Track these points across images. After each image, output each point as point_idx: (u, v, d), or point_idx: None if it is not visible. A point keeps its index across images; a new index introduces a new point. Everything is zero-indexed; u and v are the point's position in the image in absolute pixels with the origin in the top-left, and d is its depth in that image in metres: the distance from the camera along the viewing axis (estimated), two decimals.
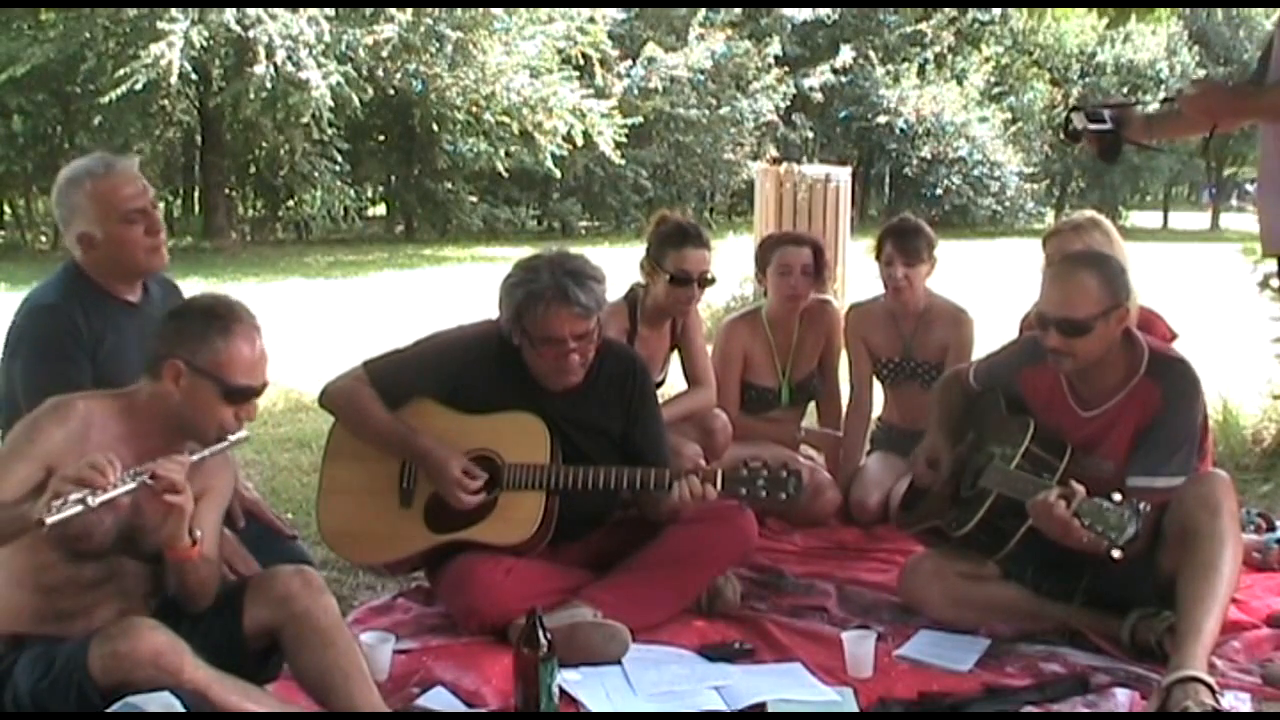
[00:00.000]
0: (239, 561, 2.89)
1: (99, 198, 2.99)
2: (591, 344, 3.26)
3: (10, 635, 2.43)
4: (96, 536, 2.39)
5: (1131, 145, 3.44)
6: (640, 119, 23.10)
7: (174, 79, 17.36)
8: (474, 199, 24.43)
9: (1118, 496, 2.78)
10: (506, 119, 21.19)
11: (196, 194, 23.25)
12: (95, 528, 2.36)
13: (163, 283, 3.25)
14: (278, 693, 2.55)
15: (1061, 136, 3.29)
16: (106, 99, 17.41)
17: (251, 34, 17.95)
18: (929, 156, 28.58)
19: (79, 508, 2.19)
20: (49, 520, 2.17)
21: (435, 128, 22.07)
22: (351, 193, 21.97)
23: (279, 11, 18.18)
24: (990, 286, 9.58)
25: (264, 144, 21.12)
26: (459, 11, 20.32)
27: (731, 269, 7.97)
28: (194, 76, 18.70)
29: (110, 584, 2.49)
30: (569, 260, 3.25)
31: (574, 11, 21.81)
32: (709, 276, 4.18)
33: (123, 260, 3.03)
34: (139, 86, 17.27)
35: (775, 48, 25.79)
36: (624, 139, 21.93)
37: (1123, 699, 2.86)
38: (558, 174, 22.50)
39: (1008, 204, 29.83)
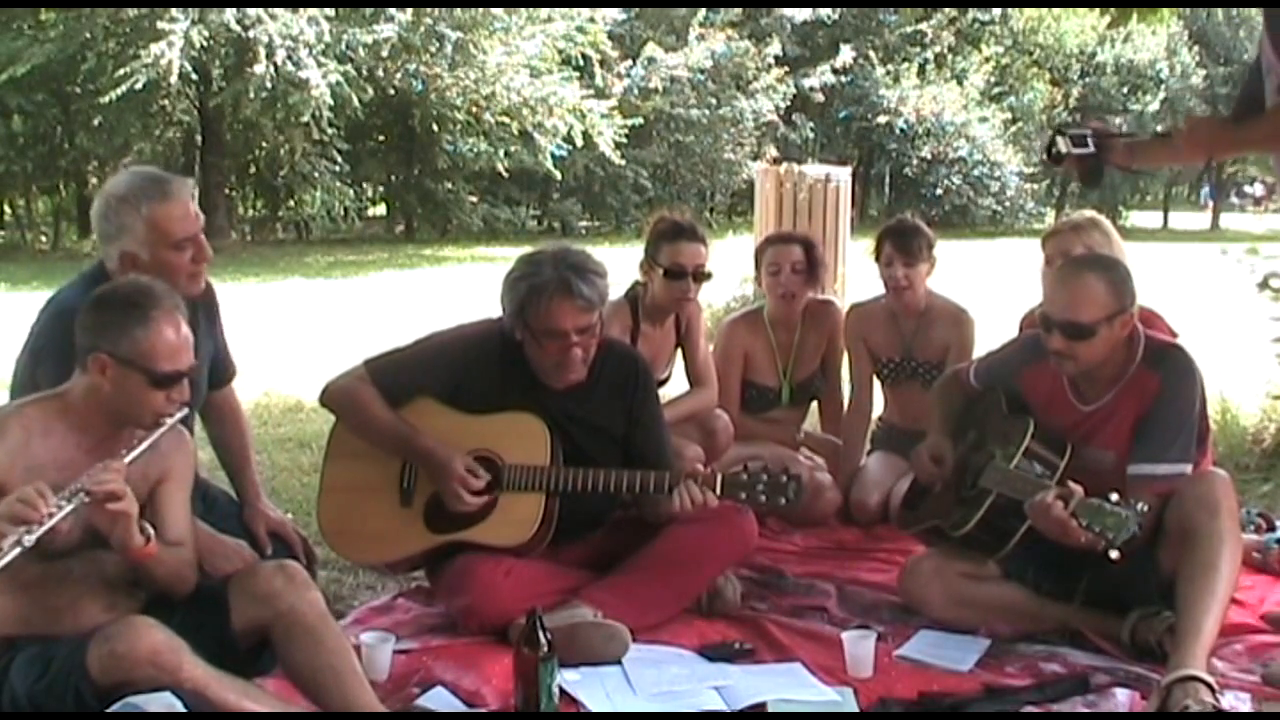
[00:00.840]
0: (219, 557, 2.88)
1: (153, 223, 2.92)
2: (594, 338, 3.26)
3: (2, 638, 2.43)
4: (59, 541, 2.37)
5: (1115, 169, 3.48)
6: (640, 119, 23.08)
7: (173, 78, 17.35)
8: (474, 199, 24.43)
9: (1115, 496, 2.78)
10: (506, 119, 21.20)
11: (197, 194, 23.21)
12: (56, 535, 2.33)
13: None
14: (276, 690, 2.55)
15: (1044, 158, 3.30)
16: (106, 99, 17.40)
17: (251, 34, 17.94)
18: (929, 156, 28.55)
19: (17, 549, 2.18)
20: None
21: (435, 128, 22.07)
22: (351, 193, 21.97)
23: (279, 11, 18.17)
24: (990, 286, 9.57)
25: (264, 144, 21.14)
26: (459, 11, 20.31)
27: (731, 269, 7.96)
28: (194, 76, 18.70)
29: (91, 575, 2.49)
30: (571, 254, 3.26)
31: (574, 11, 21.81)
32: (704, 271, 4.19)
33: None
34: (139, 86, 17.26)
35: (775, 48, 25.78)
36: (624, 139, 21.93)
37: (1123, 699, 2.86)
38: (558, 175, 22.51)
39: (1008, 204, 29.81)
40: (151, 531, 2.44)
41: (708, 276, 4.23)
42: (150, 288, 2.53)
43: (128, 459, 2.43)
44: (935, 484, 3.47)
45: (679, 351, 4.47)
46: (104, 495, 2.33)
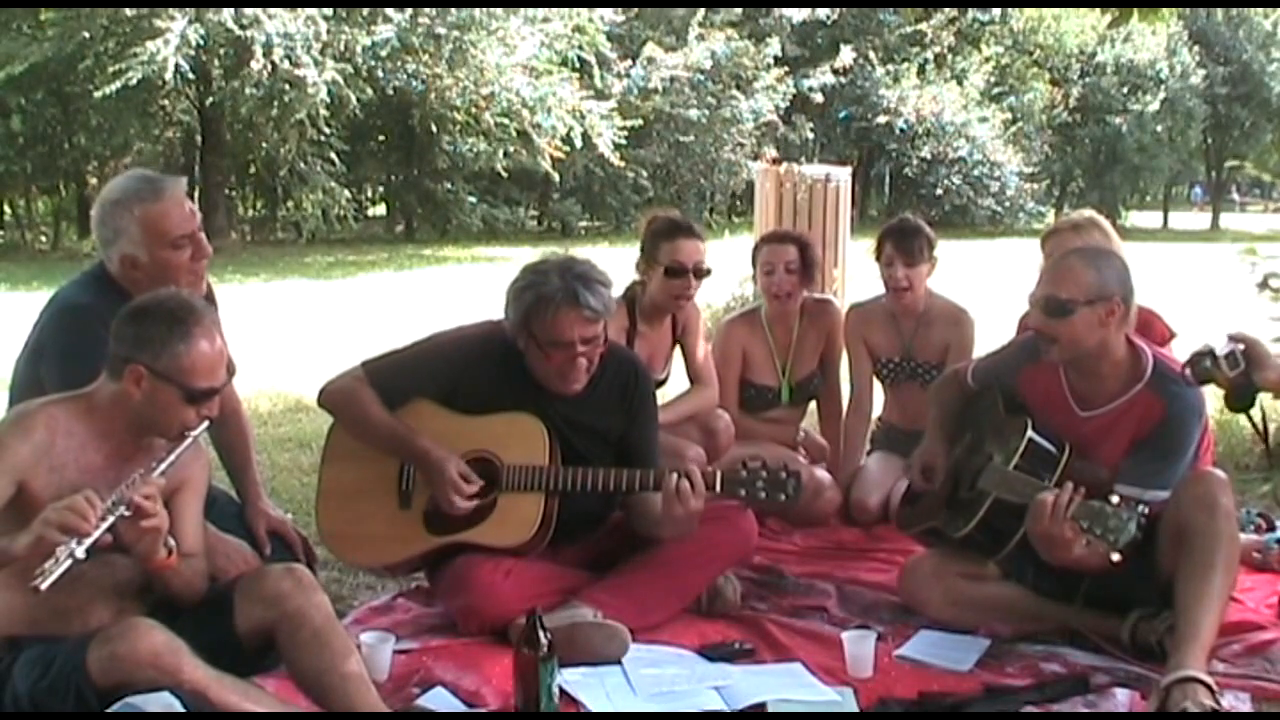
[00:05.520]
0: (219, 556, 2.89)
1: (148, 224, 2.94)
2: (598, 348, 3.25)
3: (7, 638, 2.43)
4: None
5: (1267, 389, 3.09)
6: (640, 119, 23.08)
7: (169, 75, 17.34)
8: (474, 199, 24.44)
9: (1116, 498, 2.78)
10: (506, 120, 21.20)
11: (197, 194, 23.21)
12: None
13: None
14: (278, 692, 2.55)
15: (1188, 373, 3.01)
16: (102, 94, 17.42)
17: (249, 33, 17.95)
18: (929, 156, 28.57)
19: (69, 563, 2.21)
20: (44, 586, 2.19)
21: (435, 128, 22.06)
22: (347, 194, 21.93)
23: (277, 11, 18.18)
24: (990, 286, 9.57)
25: (263, 144, 21.14)
26: (456, 12, 20.32)
27: (731, 269, 7.96)
28: (192, 76, 18.70)
29: (103, 579, 2.49)
30: (577, 264, 3.25)
31: (571, 11, 21.81)
32: (704, 268, 4.20)
33: (164, 283, 2.94)
34: (134, 83, 17.26)
35: (775, 48, 25.77)
36: (623, 140, 21.92)
37: (1123, 699, 2.87)
38: (556, 176, 22.51)
39: (1008, 204, 29.83)
40: (174, 544, 2.45)
41: (707, 273, 4.23)
42: (191, 302, 2.54)
43: (158, 472, 2.44)
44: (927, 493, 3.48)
45: (676, 352, 4.46)
46: (144, 511, 2.34)
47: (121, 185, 3.03)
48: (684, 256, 4.14)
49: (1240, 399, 3.04)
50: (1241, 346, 2.97)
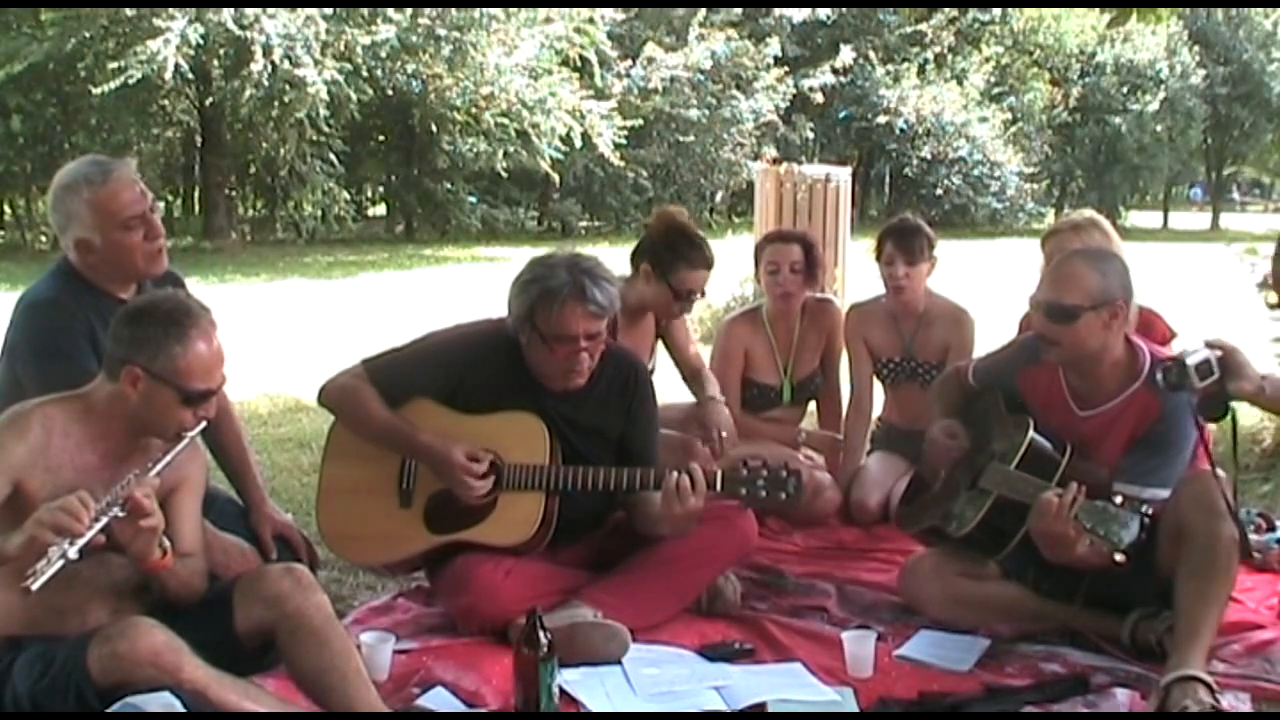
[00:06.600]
0: (218, 553, 2.89)
1: (97, 206, 2.94)
2: (601, 344, 3.26)
3: (6, 638, 2.43)
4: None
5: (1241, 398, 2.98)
6: (640, 119, 23.08)
7: (168, 74, 17.35)
8: (474, 199, 24.43)
9: (1120, 499, 2.78)
10: (506, 120, 21.20)
11: (196, 194, 23.26)
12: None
13: (166, 279, 3.16)
14: (278, 691, 2.55)
15: (1161, 382, 2.91)
16: (101, 91, 17.44)
17: (249, 33, 17.95)
18: (929, 156, 28.59)
19: (60, 563, 2.20)
20: (35, 586, 2.19)
21: (434, 128, 22.07)
22: (347, 194, 21.92)
23: (277, 11, 18.18)
24: (990, 286, 9.57)
25: (263, 144, 21.15)
26: (456, 12, 20.32)
27: (731, 269, 7.97)
28: (191, 76, 18.70)
29: (100, 578, 2.49)
30: (583, 260, 3.25)
31: (572, 11, 21.81)
32: (704, 290, 4.22)
33: (121, 266, 3.00)
34: (133, 81, 17.26)
35: (775, 48, 25.78)
36: (623, 140, 21.92)
37: (1123, 699, 2.86)
38: (556, 176, 22.51)
39: (1008, 204, 29.85)
40: (169, 545, 2.45)
41: (703, 294, 4.26)
42: (189, 304, 2.54)
43: (154, 472, 2.44)
44: (952, 460, 3.38)
45: (658, 346, 4.46)
46: (139, 510, 2.34)
47: (71, 170, 3.03)
48: (698, 285, 4.15)
49: (1211, 409, 2.94)
50: (1218, 353, 2.87)
